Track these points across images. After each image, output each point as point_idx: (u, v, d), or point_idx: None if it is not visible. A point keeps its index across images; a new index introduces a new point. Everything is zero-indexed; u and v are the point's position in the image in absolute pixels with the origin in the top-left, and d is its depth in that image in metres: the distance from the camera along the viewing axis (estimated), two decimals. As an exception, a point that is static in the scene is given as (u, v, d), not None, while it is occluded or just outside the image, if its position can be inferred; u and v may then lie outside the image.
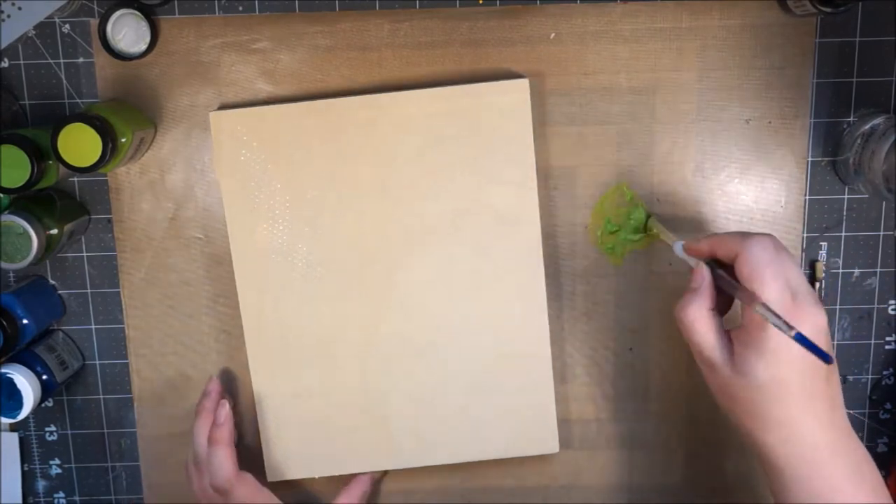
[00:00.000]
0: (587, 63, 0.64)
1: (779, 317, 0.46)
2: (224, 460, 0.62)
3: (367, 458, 0.66)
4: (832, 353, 0.48)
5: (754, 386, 0.49)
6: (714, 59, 0.64)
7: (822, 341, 0.48)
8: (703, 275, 0.53)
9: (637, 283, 0.67)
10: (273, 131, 0.62)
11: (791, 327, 0.46)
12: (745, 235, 0.51)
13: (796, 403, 0.49)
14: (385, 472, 0.69)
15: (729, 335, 0.51)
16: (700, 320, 0.51)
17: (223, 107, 0.64)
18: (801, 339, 0.45)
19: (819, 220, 0.67)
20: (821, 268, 0.67)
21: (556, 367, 0.68)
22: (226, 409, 0.63)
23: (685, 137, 0.65)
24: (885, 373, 0.69)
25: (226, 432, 0.62)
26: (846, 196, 0.67)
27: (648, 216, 0.65)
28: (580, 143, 0.65)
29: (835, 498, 0.49)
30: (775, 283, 0.48)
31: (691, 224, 0.66)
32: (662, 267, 0.67)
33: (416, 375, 0.65)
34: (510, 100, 0.62)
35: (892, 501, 0.50)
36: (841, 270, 0.67)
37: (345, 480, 0.67)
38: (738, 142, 0.65)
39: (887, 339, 0.68)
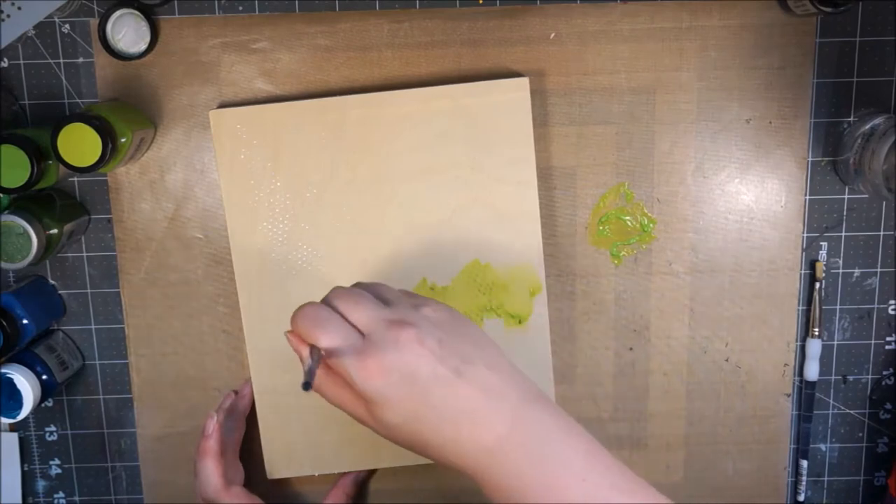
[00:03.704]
0: (587, 63, 0.64)
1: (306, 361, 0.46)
2: (212, 472, 0.62)
3: (368, 456, 0.66)
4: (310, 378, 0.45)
5: (396, 430, 0.47)
6: (714, 59, 0.64)
7: (423, 353, 0.45)
8: (293, 341, 0.49)
9: (637, 283, 0.67)
10: (273, 129, 0.62)
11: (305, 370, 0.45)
12: (297, 310, 0.49)
13: (441, 424, 0.45)
14: (371, 473, 0.69)
15: None
16: (323, 385, 0.49)
17: (223, 105, 0.64)
18: (308, 375, 0.44)
19: (819, 220, 0.67)
20: (821, 268, 0.67)
21: (556, 367, 0.68)
22: (213, 421, 0.63)
23: (685, 137, 0.65)
24: (885, 373, 0.69)
25: (213, 444, 0.63)
26: (846, 196, 0.67)
27: None
28: (580, 143, 0.65)
29: (541, 482, 0.45)
30: (323, 331, 0.47)
31: (692, 224, 0.66)
32: (662, 267, 0.67)
33: None
34: (510, 98, 0.62)
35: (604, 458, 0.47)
36: (841, 270, 0.67)
37: (332, 482, 0.67)
38: (738, 142, 0.65)
39: (887, 339, 0.68)
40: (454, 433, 0.46)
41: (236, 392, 0.67)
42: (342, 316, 0.48)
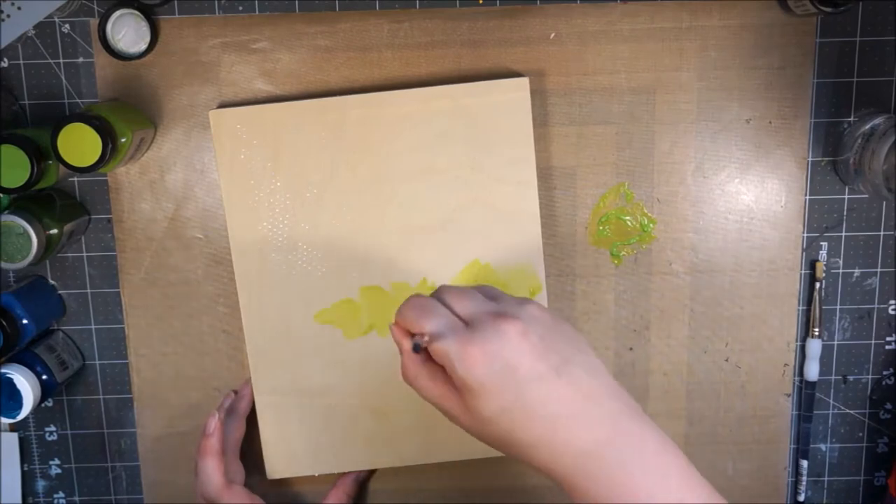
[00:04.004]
0: (587, 63, 0.64)
1: (413, 337, 0.46)
2: (213, 471, 0.62)
3: (368, 456, 0.66)
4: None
5: (489, 424, 0.46)
6: (714, 59, 0.64)
7: (526, 348, 0.45)
8: (396, 332, 0.49)
9: (637, 283, 0.67)
10: (273, 129, 0.62)
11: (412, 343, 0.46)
12: (403, 304, 0.49)
13: (536, 423, 0.45)
14: (371, 474, 0.69)
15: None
16: (420, 377, 0.48)
17: (223, 105, 0.64)
18: (416, 348, 0.45)
19: (819, 220, 0.67)
20: (821, 268, 0.67)
21: (556, 367, 0.68)
22: (215, 419, 0.63)
23: (685, 137, 0.65)
24: (885, 373, 0.69)
25: (215, 443, 0.63)
26: (846, 196, 0.67)
27: None
28: (580, 143, 0.65)
29: (634, 493, 0.44)
30: (431, 319, 0.47)
31: (692, 224, 0.66)
32: (662, 267, 0.67)
33: None
34: (510, 98, 0.62)
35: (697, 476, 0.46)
36: (841, 270, 0.67)
37: (332, 482, 0.67)
38: (738, 142, 0.65)
39: (887, 339, 0.68)
40: (549, 433, 0.45)
41: (236, 392, 0.67)
42: (449, 308, 0.48)
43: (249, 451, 0.67)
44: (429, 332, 0.46)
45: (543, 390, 0.45)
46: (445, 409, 0.48)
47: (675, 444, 0.46)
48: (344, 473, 0.67)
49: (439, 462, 0.67)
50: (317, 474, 0.67)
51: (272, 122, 0.62)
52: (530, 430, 0.45)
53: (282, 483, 0.69)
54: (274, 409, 0.66)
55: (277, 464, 0.66)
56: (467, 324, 0.47)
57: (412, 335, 0.48)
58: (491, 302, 0.48)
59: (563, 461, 0.45)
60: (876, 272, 0.67)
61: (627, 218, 0.66)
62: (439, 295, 0.49)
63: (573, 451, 0.45)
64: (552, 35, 0.64)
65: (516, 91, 0.62)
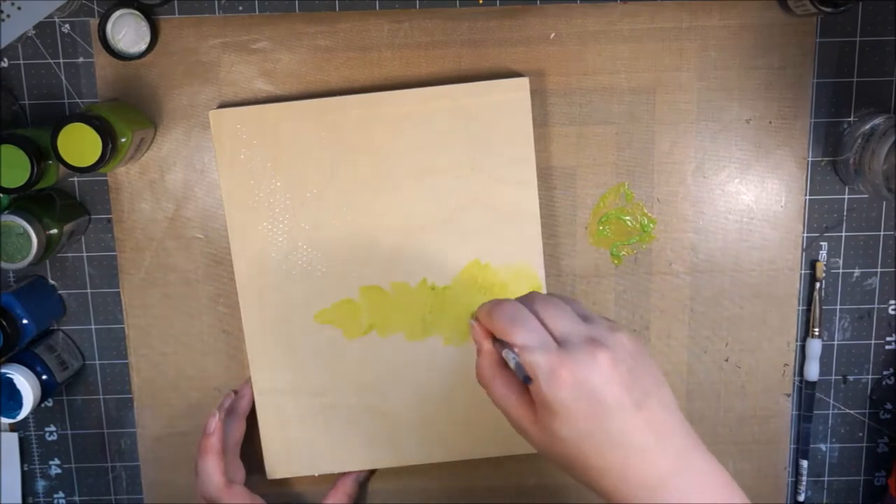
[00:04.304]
0: (587, 63, 0.64)
1: (513, 352, 0.46)
2: (213, 470, 0.62)
3: (367, 456, 0.66)
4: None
5: (560, 442, 0.46)
6: (714, 59, 0.64)
7: (614, 378, 0.45)
8: (476, 332, 0.50)
9: (637, 283, 0.67)
10: (273, 129, 0.62)
11: (514, 361, 0.45)
12: (491, 305, 0.50)
13: (610, 450, 0.45)
14: (371, 474, 0.69)
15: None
16: (496, 383, 0.49)
17: (223, 105, 0.64)
18: (518, 370, 0.45)
19: (819, 220, 0.67)
20: (821, 268, 0.67)
21: (556, 367, 0.68)
22: (215, 419, 0.63)
23: (685, 137, 0.65)
24: (885, 373, 0.69)
25: (215, 442, 0.63)
26: (846, 196, 0.67)
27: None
28: (580, 143, 0.65)
29: None
30: (521, 331, 0.47)
31: (692, 224, 0.66)
32: (662, 267, 0.67)
33: (416, 372, 0.65)
34: (510, 98, 0.62)
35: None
36: (841, 270, 0.67)
37: (332, 482, 0.67)
38: (738, 142, 0.65)
39: (887, 339, 0.68)
40: (621, 463, 0.46)
41: (236, 392, 0.67)
42: (540, 320, 0.48)
43: (249, 451, 0.67)
44: (520, 344, 0.46)
45: (623, 421, 0.45)
46: (516, 418, 0.48)
47: (735, 483, 0.48)
48: (344, 473, 0.67)
49: (439, 462, 0.67)
50: (317, 474, 0.67)
51: (272, 122, 0.62)
52: (603, 458, 0.46)
53: (282, 483, 0.69)
54: (274, 409, 0.66)
55: (277, 464, 0.66)
56: (558, 342, 0.47)
57: (498, 342, 0.48)
58: (583, 323, 0.48)
59: (630, 491, 0.46)
60: (876, 272, 0.67)
61: (627, 218, 0.66)
62: (531, 305, 0.49)
63: (642, 483, 0.46)
64: (552, 35, 0.64)
65: (516, 91, 0.62)
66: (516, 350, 0.46)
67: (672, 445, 0.46)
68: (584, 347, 0.46)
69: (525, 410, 0.48)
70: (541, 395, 0.46)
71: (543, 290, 0.64)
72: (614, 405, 0.45)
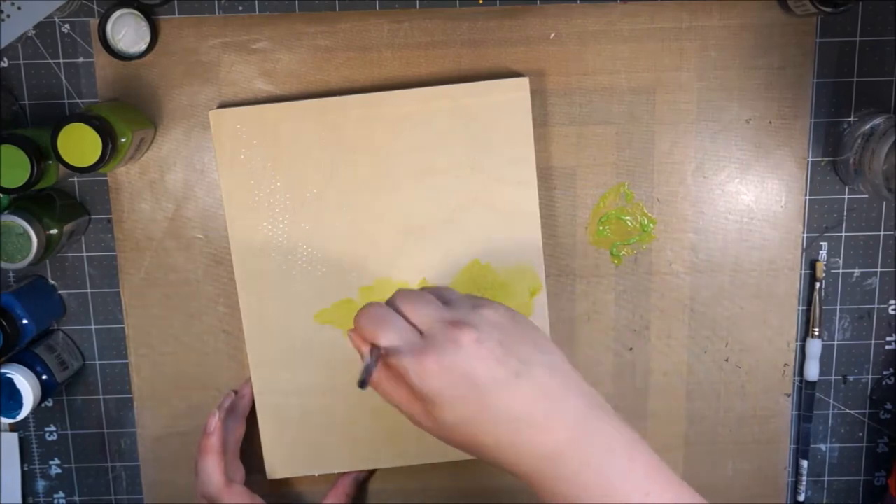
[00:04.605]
0: (587, 63, 0.64)
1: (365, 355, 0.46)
2: (213, 470, 0.62)
3: (368, 456, 0.66)
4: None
5: (454, 431, 0.46)
6: (714, 59, 0.64)
7: (482, 354, 0.45)
8: (356, 340, 0.49)
9: (637, 283, 0.67)
10: (273, 129, 0.62)
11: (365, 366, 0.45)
12: (360, 309, 0.49)
13: (500, 428, 0.45)
14: (371, 474, 0.69)
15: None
16: (382, 383, 0.48)
17: (223, 105, 0.64)
18: (366, 372, 0.45)
19: (819, 220, 0.67)
20: (821, 268, 0.67)
21: (556, 367, 0.68)
22: (215, 418, 0.63)
23: (685, 137, 0.65)
24: (885, 373, 0.69)
25: (215, 442, 0.63)
26: (846, 196, 0.67)
27: None
28: (580, 143, 0.65)
29: (599, 493, 0.44)
30: (385, 331, 0.47)
31: (692, 224, 0.66)
32: (662, 267, 0.67)
33: None
34: (510, 98, 0.62)
35: (667, 476, 0.46)
36: (841, 270, 0.67)
37: (331, 482, 0.67)
38: (738, 142, 0.65)
39: (887, 339, 0.68)
40: (512, 437, 0.45)
41: (236, 392, 0.67)
42: (404, 316, 0.48)
43: (249, 451, 0.67)
44: (384, 346, 0.46)
45: (504, 395, 0.45)
46: (409, 415, 0.48)
47: (642, 439, 0.47)
48: (343, 473, 0.67)
49: (439, 462, 0.67)
50: (317, 474, 0.67)
51: (272, 122, 0.62)
52: (493, 435, 0.45)
53: (282, 483, 0.69)
54: (274, 409, 0.66)
55: (277, 464, 0.66)
56: (422, 334, 0.47)
57: (370, 345, 0.48)
58: (444, 308, 0.48)
59: (528, 463, 0.45)
60: (876, 272, 0.67)
61: (627, 218, 0.66)
62: (394, 302, 0.49)
63: (537, 454, 0.45)
64: (552, 35, 0.64)
65: (516, 91, 0.62)
66: (381, 352, 0.46)
67: (566, 408, 0.45)
68: (446, 333, 0.46)
69: (416, 406, 0.47)
70: (417, 390, 0.46)
71: (543, 290, 0.64)
72: (489, 382, 0.45)
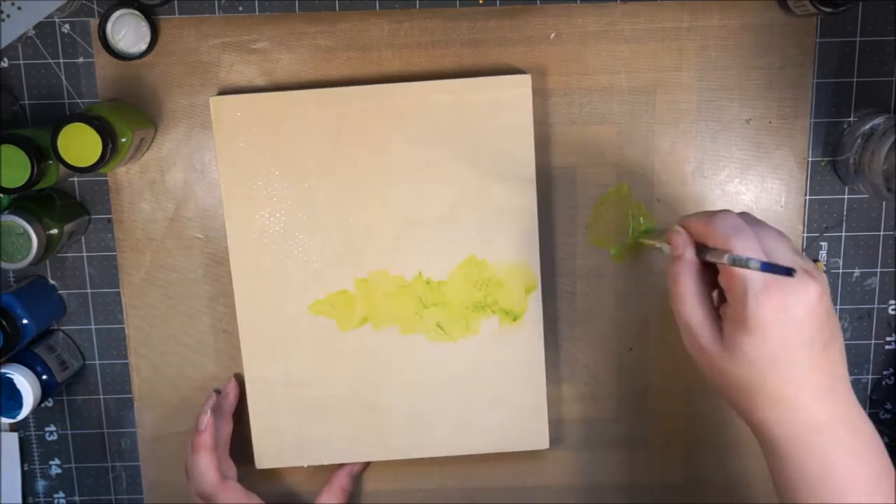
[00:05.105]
0: (587, 63, 0.64)
1: (746, 263, 0.46)
2: (207, 467, 0.62)
3: (358, 449, 0.66)
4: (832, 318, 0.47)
5: (744, 363, 0.47)
6: (714, 59, 0.64)
7: (817, 312, 0.46)
8: (681, 238, 0.51)
9: (637, 283, 0.67)
10: (273, 118, 0.62)
11: (756, 262, 0.45)
12: (709, 213, 0.51)
13: (789, 381, 0.47)
14: (365, 466, 0.69)
15: (718, 312, 0.50)
16: (687, 290, 0.50)
17: (223, 92, 0.64)
18: (766, 267, 0.45)
19: (819, 220, 0.67)
20: (821, 268, 0.67)
21: (556, 367, 0.68)
22: (207, 416, 0.63)
23: (685, 137, 0.65)
24: (885, 373, 0.69)
25: (208, 438, 0.63)
26: (846, 196, 0.67)
27: (645, 230, 0.65)
28: (580, 143, 0.65)
29: (832, 480, 0.48)
30: (744, 242, 0.47)
31: (691, 224, 0.66)
32: (663, 267, 0.67)
33: (409, 366, 0.65)
34: (511, 94, 0.62)
35: (893, 483, 0.49)
36: (841, 270, 0.67)
37: (325, 479, 0.67)
38: (738, 142, 0.65)
39: (887, 339, 0.68)
40: (794, 396, 0.47)
41: (219, 392, 0.67)
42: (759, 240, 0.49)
43: (242, 452, 0.67)
44: (740, 253, 0.47)
45: (811, 358, 0.47)
46: (698, 333, 0.50)
47: (881, 443, 0.50)
48: (337, 469, 0.67)
49: (434, 458, 0.67)
50: (306, 465, 0.67)
51: (272, 111, 0.62)
52: (780, 386, 0.47)
53: (274, 480, 0.69)
54: (265, 399, 0.65)
55: (266, 454, 0.66)
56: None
57: (703, 247, 0.49)
58: (798, 256, 0.49)
59: (793, 428, 0.48)
60: (876, 272, 0.67)
61: (627, 218, 0.66)
62: (749, 223, 0.50)
63: (807, 420, 0.48)
64: (552, 35, 0.64)
65: (518, 88, 0.62)
66: (732, 258, 0.47)
67: (840, 393, 0.48)
68: (798, 275, 0.46)
69: (710, 327, 0.49)
70: (744, 311, 0.46)
71: (538, 290, 0.64)
72: (809, 339, 0.46)
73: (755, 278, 0.46)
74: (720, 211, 0.50)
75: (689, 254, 0.50)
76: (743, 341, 0.47)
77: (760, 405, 0.48)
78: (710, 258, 0.49)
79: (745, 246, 0.47)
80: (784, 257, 0.48)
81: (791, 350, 0.46)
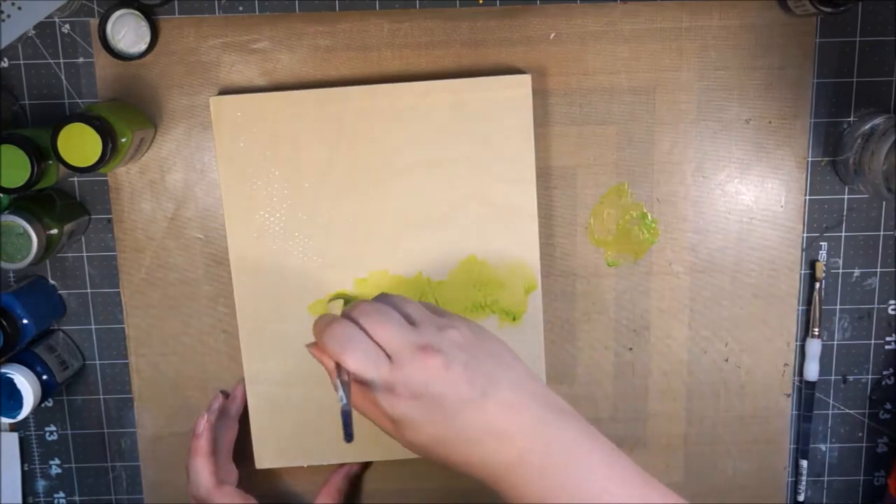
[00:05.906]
0: (587, 63, 0.64)
1: (340, 388, 0.47)
2: (202, 471, 0.62)
3: (357, 449, 0.66)
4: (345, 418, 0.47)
5: (421, 448, 0.48)
6: (714, 59, 0.64)
7: (451, 377, 0.46)
8: (318, 354, 0.50)
9: (637, 283, 0.67)
10: (273, 118, 0.62)
11: (344, 404, 0.46)
12: (324, 322, 0.50)
13: (466, 446, 0.46)
14: (364, 469, 0.69)
15: None
16: (357, 396, 0.49)
17: (223, 92, 0.64)
18: (345, 417, 0.46)
19: (819, 220, 0.67)
20: (821, 268, 0.67)
21: (556, 367, 0.68)
22: (203, 420, 0.63)
23: (685, 137, 0.65)
24: (885, 373, 0.69)
25: (204, 443, 0.63)
26: (846, 196, 0.67)
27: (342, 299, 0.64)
28: (580, 143, 0.65)
29: (564, 491, 0.46)
30: (352, 355, 0.47)
31: (692, 224, 0.66)
32: (662, 267, 0.67)
33: None
34: (512, 94, 0.62)
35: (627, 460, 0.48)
36: (841, 270, 0.67)
37: (324, 480, 0.67)
38: (738, 142, 0.65)
39: (887, 339, 0.68)
40: (479, 452, 0.47)
41: (226, 394, 0.67)
42: (367, 334, 0.49)
43: (243, 453, 0.67)
44: (352, 369, 0.47)
45: (471, 415, 0.46)
46: (384, 429, 0.50)
47: (600, 435, 0.48)
48: (335, 470, 0.67)
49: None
50: (305, 465, 0.67)
51: (272, 111, 0.62)
52: (462, 453, 0.47)
53: (274, 482, 0.69)
54: (265, 399, 0.65)
55: (266, 454, 0.66)
56: (389, 356, 0.48)
57: (337, 366, 0.48)
58: (410, 331, 0.49)
59: (494, 473, 0.47)
60: (876, 272, 0.67)
61: (627, 218, 0.66)
62: (356, 318, 0.49)
63: (502, 463, 0.46)
64: (552, 35, 0.64)
65: (518, 88, 0.62)
66: (349, 376, 0.47)
67: (525, 417, 0.47)
68: (414, 358, 0.47)
69: (388, 423, 0.48)
70: (385, 413, 0.47)
71: (538, 290, 0.64)
72: (458, 403, 0.46)
73: (376, 384, 0.47)
74: (327, 323, 0.49)
75: (331, 366, 0.49)
76: (406, 436, 0.48)
77: (465, 470, 0.48)
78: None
79: (355, 358, 0.47)
80: (396, 340, 0.48)
81: (448, 423, 0.46)
